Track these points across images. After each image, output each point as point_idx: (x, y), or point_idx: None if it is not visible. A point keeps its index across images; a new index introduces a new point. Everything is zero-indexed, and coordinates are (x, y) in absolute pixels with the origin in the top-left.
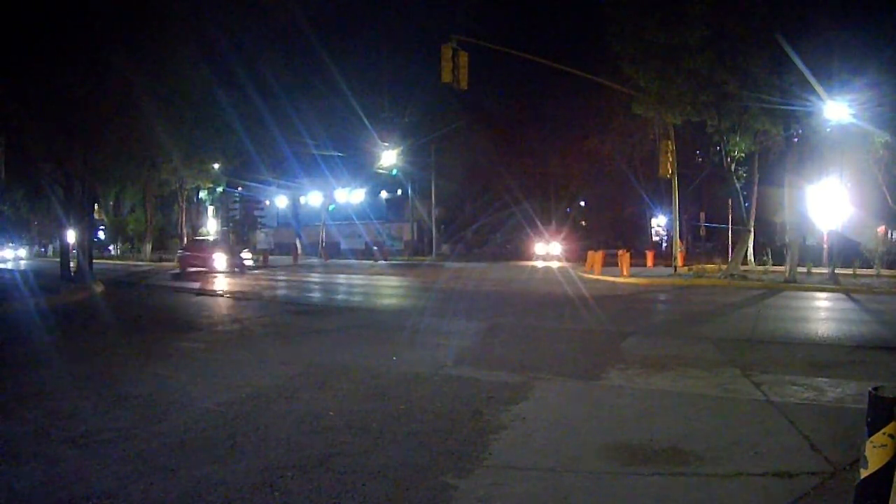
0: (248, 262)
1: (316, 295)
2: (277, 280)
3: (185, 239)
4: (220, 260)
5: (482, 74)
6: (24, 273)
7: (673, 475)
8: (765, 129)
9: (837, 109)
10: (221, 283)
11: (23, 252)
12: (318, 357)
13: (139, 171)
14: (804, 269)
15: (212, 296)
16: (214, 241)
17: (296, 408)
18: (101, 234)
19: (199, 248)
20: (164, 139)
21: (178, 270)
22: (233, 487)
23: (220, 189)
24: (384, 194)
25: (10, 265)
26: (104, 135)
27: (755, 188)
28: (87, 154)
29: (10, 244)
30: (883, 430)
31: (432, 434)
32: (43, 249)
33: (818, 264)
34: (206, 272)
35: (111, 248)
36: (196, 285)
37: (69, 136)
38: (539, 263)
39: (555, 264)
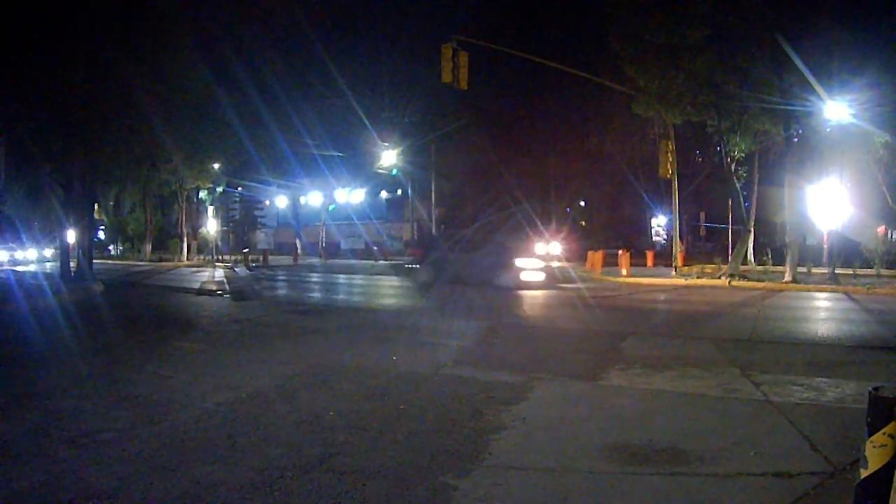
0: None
1: (316, 295)
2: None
3: (185, 238)
4: (531, 267)
5: (482, 74)
6: (33, 274)
7: (673, 475)
8: (765, 129)
9: (837, 109)
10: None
11: (48, 252)
12: (318, 357)
13: (139, 171)
14: (804, 269)
15: (211, 295)
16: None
17: (296, 408)
18: (101, 234)
19: (478, 246)
20: (164, 139)
21: (407, 280)
22: (233, 487)
23: (220, 189)
24: (384, 194)
25: (33, 267)
26: (104, 135)
27: (755, 188)
28: (87, 154)
29: (11, 245)
30: (883, 430)
31: (432, 434)
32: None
33: (818, 264)
34: (471, 286)
35: (111, 248)
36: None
37: (69, 136)
38: None
39: (555, 264)
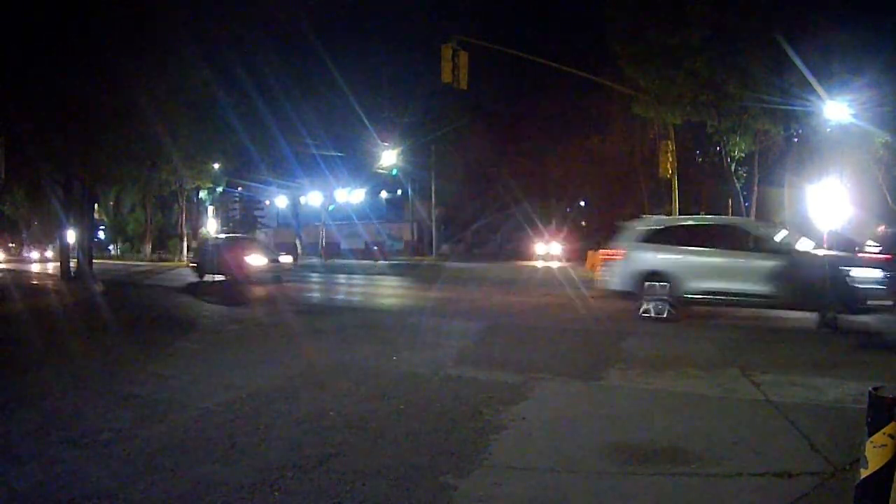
0: None
1: (316, 295)
2: None
3: (185, 238)
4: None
5: (482, 74)
6: (30, 273)
7: (673, 475)
8: (765, 129)
9: (837, 109)
10: None
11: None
12: (318, 357)
13: (139, 172)
14: None
15: (211, 295)
16: None
17: (296, 408)
18: (101, 234)
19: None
20: (164, 139)
21: None
22: (233, 487)
23: (220, 189)
24: (384, 194)
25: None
26: (104, 135)
27: (755, 188)
28: (87, 154)
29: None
30: (883, 430)
31: (432, 434)
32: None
33: None
34: None
35: (111, 248)
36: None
37: (69, 136)
38: (539, 263)
39: (555, 264)
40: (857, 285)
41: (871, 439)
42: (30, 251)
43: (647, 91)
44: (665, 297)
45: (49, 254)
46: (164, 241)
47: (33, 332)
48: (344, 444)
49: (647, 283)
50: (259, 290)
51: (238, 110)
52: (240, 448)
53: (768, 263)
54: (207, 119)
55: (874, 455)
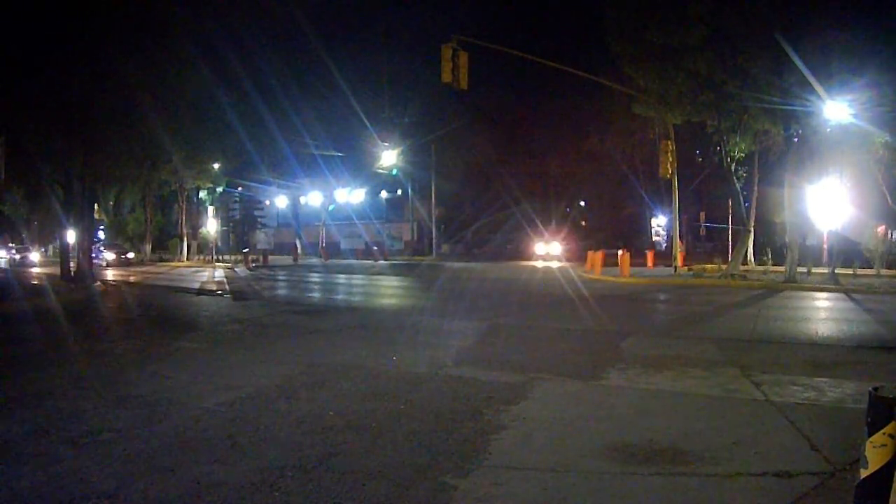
0: None
1: (316, 295)
2: None
3: (185, 238)
4: None
5: (482, 74)
6: (29, 274)
7: (673, 475)
8: (765, 129)
9: (837, 109)
10: None
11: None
12: (318, 357)
13: (139, 171)
14: (804, 269)
15: (211, 295)
16: None
17: (296, 408)
18: (101, 234)
19: None
20: (164, 139)
21: None
22: (233, 487)
23: (220, 189)
24: (384, 194)
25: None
26: (104, 135)
27: (755, 188)
28: (87, 154)
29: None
30: (883, 430)
31: (432, 434)
32: (43, 249)
33: (818, 264)
34: None
35: None
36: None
37: (69, 136)
38: (539, 263)
39: (555, 264)
40: None
41: (871, 439)
42: (99, 251)
43: (647, 91)
44: None
45: (131, 255)
46: (164, 241)
47: (33, 332)
48: (344, 444)
49: None
50: None
51: (238, 110)
52: (240, 448)
53: None
54: (207, 119)
55: (874, 455)
